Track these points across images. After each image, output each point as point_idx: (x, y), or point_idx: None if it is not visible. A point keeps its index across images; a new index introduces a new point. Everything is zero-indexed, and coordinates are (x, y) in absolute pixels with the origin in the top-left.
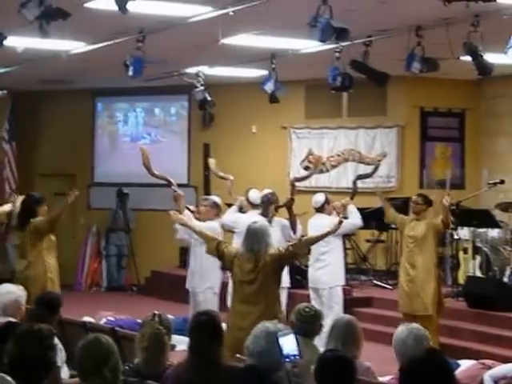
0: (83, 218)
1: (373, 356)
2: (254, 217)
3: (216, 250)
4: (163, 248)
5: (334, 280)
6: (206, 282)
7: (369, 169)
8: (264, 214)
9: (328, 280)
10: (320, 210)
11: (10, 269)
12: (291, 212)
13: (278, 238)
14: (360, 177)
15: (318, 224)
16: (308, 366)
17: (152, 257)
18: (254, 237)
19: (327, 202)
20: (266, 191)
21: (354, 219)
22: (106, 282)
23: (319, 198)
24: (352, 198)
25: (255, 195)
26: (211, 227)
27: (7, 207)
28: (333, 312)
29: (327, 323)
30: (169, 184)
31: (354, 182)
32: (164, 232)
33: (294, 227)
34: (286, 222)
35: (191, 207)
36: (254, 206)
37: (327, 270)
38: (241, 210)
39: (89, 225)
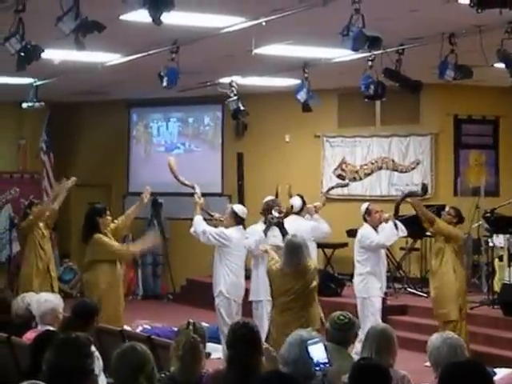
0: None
1: (408, 364)
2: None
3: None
4: (198, 256)
5: (367, 290)
6: (218, 286)
7: (403, 176)
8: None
9: (361, 289)
10: (364, 219)
11: None
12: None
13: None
14: (408, 195)
15: (358, 233)
16: (339, 374)
17: (187, 265)
18: (294, 251)
19: (367, 212)
20: (267, 198)
21: (383, 238)
22: (142, 291)
23: (362, 207)
24: (395, 215)
25: (298, 202)
26: (219, 233)
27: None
28: (366, 322)
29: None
30: (193, 190)
31: (402, 199)
32: (198, 240)
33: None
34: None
35: (217, 215)
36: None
37: (359, 280)
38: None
39: (124, 234)
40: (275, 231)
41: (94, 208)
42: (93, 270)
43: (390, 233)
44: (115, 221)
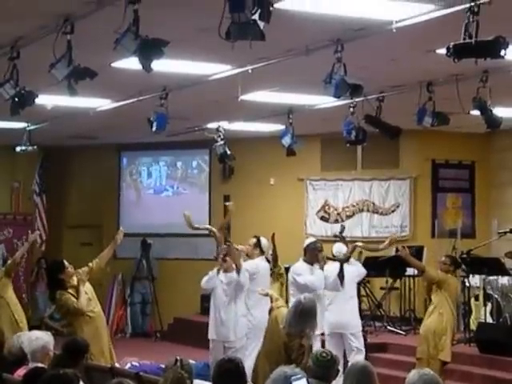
0: (109, 266)
1: None
2: (263, 262)
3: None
4: (185, 295)
5: (359, 324)
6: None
7: (383, 219)
8: (308, 261)
9: (356, 324)
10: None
11: (39, 316)
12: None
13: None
14: (336, 236)
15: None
16: None
17: (175, 304)
18: (303, 315)
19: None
20: (311, 239)
21: (362, 268)
22: (131, 329)
23: (338, 248)
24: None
25: (266, 242)
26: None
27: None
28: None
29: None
30: (211, 234)
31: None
32: (185, 280)
33: (341, 280)
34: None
35: (240, 246)
36: (263, 252)
37: (354, 315)
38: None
39: (115, 273)
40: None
41: (52, 266)
42: (71, 326)
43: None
44: (89, 264)
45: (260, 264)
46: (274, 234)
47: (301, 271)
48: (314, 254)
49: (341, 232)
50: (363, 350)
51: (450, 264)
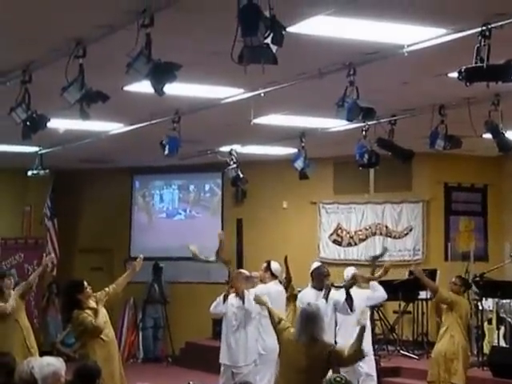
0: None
1: None
2: (276, 286)
3: (274, 326)
4: (197, 319)
5: (370, 349)
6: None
7: (396, 243)
8: (315, 287)
9: (365, 350)
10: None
11: (50, 341)
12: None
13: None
14: (375, 258)
15: (358, 295)
16: None
17: (186, 328)
18: (314, 322)
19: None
20: (317, 264)
21: (381, 292)
22: (143, 354)
23: (349, 271)
24: (372, 274)
25: (276, 266)
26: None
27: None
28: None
29: None
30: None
31: (372, 261)
32: (197, 303)
33: (350, 304)
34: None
35: (253, 273)
36: (274, 276)
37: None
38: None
39: (126, 298)
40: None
41: (71, 285)
42: (84, 348)
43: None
44: (106, 288)
45: (272, 288)
46: (286, 257)
47: (306, 299)
48: (320, 280)
49: (381, 254)
50: (373, 375)
51: (460, 285)
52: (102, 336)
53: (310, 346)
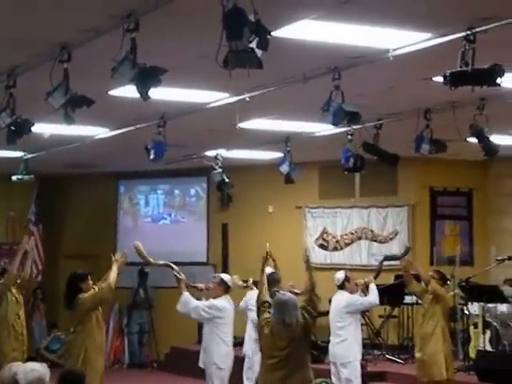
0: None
1: None
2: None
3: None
4: (182, 324)
5: (351, 354)
6: (211, 357)
7: (382, 247)
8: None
9: (345, 354)
10: (341, 287)
11: (34, 347)
12: None
13: None
14: (387, 258)
15: (339, 300)
16: None
17: (171, 333)
18: (285, 309)
19: (347, 279)
20: (270, 270)
21: (372, 297)
22: (128, 359)
23: (339, 275)
24: (376, 278)
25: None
26: (210, 305)
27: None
28: None
29: None
30: (171, 268)
31: (381, 262)
32: (187, 315)
33: None
34: None
35: (200, 285)
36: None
37: (344, 345)
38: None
39: (111, 303)
40: None
41: (76, 274)
42: (77, 334)
43: (377, 292)
44: (96, 287)
45: (223, 303)
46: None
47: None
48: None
49: (405, 253)
50: (354, 381)
51: (438, 278)
52: (97, 326)
53: (284, 331)
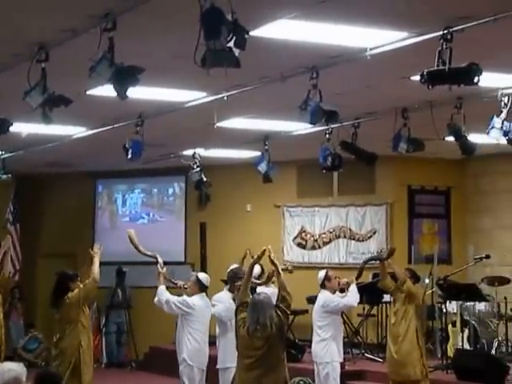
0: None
1: None
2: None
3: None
4: (161, 324)
5: (328, 355)
6: (181, 353)
7: (360, 245)
8: (231, 290)
9: (323, 354)
10: (321, 286)
11: (12, 347)
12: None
13: None
14: (372, 259)
15: (319, 299)
16: None
17: (150, 333)
18: (260, 309)
19: (327, 278)
20: (232, 266)
21: (349, 299)
22: (106, 359)
23: (319, 274)
24: (357, 278)
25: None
26: (182, 301)
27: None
28: None
29: None
30: (156, 261)
31: (365, 262)
32: (161, 308)
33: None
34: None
35: (181, 282)
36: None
37: (322, 345)
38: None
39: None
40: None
41: (66, 273)
42: (70, 334)
43: (356, 294)
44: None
45: (196, 301)
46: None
47: (219, 300)
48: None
49: (389, 254)
50: (332, 381)
51: (410, 277)
52: (86, 325)
53: (260, 331)
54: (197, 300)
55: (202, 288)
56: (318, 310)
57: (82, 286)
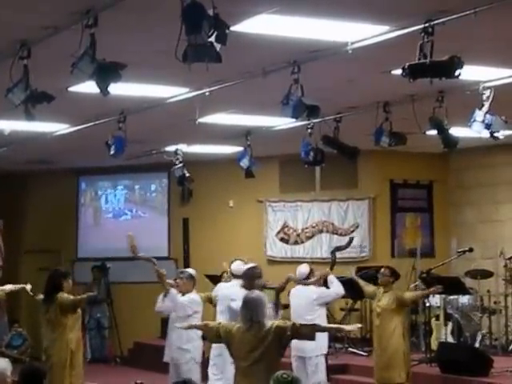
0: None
1: None
2: (234, 287)
3: (216, 337)
4: (145, 319)
5: (318, 348)
6: (188, 353)
7: (342, 240)
8: (246, 287)
9: (314, 348)
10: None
11: None
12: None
13: None
14: (337, 249)
15: (308, 294)
16: None
17: (134, 328)
18: (253, 306)
19: (312, 273)
20: (251, 264)
21: (336, 288)
22: (90, 354)
23: (304, 269)
24: (331, 269)
25: (238, 267)
26: (192, 300)
27: (7, 287)
28: (317, 380)
29: None
30: (153, 264)
31: (333, 253)
32: (145, 303)
33: (277, 308)
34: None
35: (171, 281)
36: (236, 276)
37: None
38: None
39: None
40: None
41: (59, 271)
42: (59, 339)
43: (338, 283)
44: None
45: (197, 298)
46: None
47: (237, 297)
48: (252, 280)
49: (348, 243)
50: (320, 375)
51: (389, 275)
52: (77, 322)
53: (252, 328)
54: (197, 297)
55: (194, 284)
56: (309, 304)
57: (78, 297)
